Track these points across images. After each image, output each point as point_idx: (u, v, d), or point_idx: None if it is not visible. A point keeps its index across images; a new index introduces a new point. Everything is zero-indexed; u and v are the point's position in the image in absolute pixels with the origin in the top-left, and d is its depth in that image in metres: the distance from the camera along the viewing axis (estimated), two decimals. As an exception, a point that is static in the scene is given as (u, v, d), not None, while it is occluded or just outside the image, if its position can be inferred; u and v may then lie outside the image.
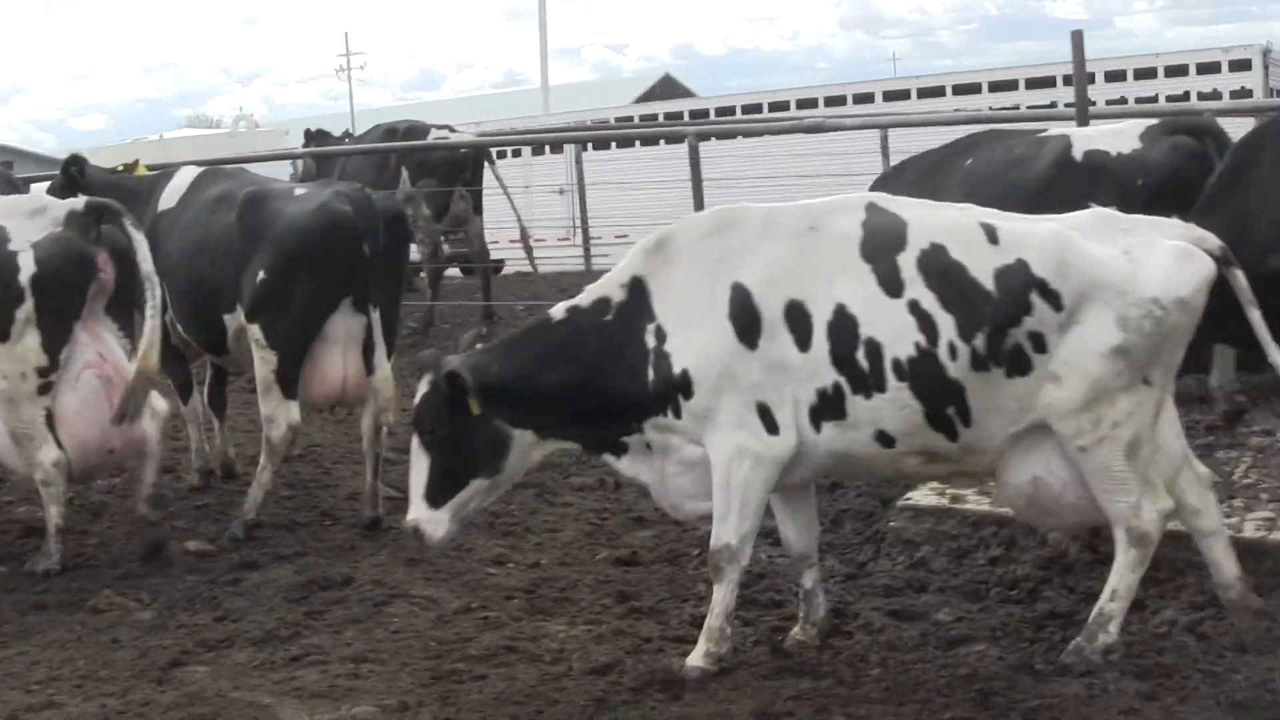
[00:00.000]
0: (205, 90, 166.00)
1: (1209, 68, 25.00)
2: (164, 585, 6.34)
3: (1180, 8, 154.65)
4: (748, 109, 29.44)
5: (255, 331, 7.03)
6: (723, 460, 4.92)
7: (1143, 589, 5.63)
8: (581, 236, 17.21)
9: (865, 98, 27.84)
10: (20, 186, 10.08)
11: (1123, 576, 4.96)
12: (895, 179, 8.15)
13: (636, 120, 31.54)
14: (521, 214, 14.21)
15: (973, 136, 8.55)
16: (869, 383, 4.83)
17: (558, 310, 5.21)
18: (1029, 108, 22.31)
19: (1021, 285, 4.80)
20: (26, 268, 6.25)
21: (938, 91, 27.10)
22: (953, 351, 4.80)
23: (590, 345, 5.08)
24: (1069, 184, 7.38)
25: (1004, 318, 4.80)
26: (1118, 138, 7.63)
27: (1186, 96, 22.94)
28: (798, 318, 4.88)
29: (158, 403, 6.64)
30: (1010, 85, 25.47)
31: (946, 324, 4.81)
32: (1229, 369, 7.19)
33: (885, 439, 4.91)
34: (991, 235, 4.90)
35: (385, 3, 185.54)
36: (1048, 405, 4.82)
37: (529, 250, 14.13)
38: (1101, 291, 4.79)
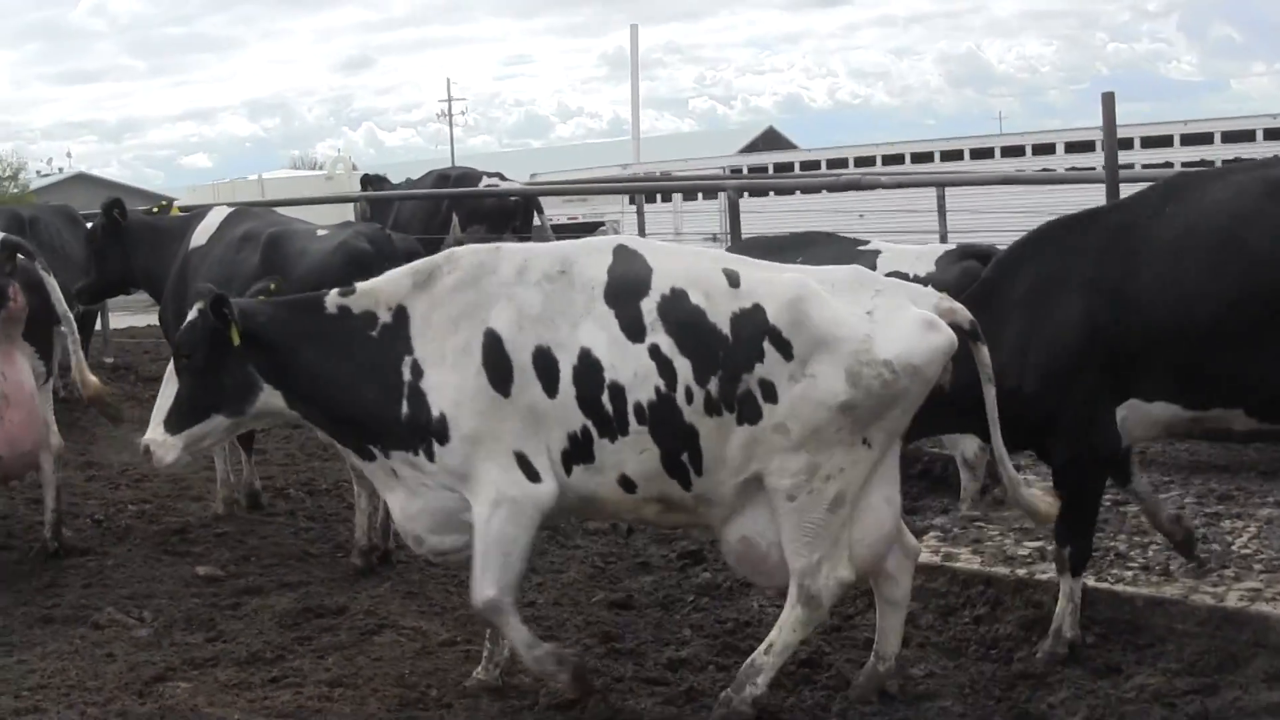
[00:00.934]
0: (314, 131, 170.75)
1: None
2: (167, 605, 6.59)
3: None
4: (860, 161, 29.74)
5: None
6: (484, 512, 4.92)
7: (1120, 653, 5.60)
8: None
9: (983, 153, 28.17)
10: (83, 223, 10.57)
11: (782, 633, 4.98)
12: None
13: (745, 171, 32.43)
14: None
15: (809, 235, 8.63)
16: (613, 427, 4.87)
17: (331, 300, 5.19)
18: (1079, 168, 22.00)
19: (755, 331, 4.83)
20: None
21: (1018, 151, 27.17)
22: (689, 396, 4.83)
23: (352, 351, 5.10)
24: None
25: (737, 363, 4.82)
26: (919, 260, 7.72)
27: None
28: (546, 363, 4.91)
29: (53, 438, 7.33)
30: (1087, 147, 25.26)
31: (684, 368, 4.84)
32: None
33: (628, 484, 4.94)
34: (733, 280, 4.93)
35: (497, 50, 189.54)
36: (768, 452, 4.81)
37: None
38: (835, 346, 4.78)
